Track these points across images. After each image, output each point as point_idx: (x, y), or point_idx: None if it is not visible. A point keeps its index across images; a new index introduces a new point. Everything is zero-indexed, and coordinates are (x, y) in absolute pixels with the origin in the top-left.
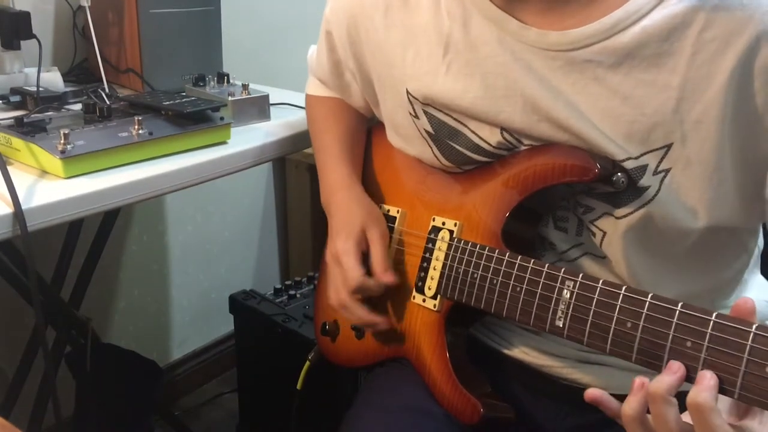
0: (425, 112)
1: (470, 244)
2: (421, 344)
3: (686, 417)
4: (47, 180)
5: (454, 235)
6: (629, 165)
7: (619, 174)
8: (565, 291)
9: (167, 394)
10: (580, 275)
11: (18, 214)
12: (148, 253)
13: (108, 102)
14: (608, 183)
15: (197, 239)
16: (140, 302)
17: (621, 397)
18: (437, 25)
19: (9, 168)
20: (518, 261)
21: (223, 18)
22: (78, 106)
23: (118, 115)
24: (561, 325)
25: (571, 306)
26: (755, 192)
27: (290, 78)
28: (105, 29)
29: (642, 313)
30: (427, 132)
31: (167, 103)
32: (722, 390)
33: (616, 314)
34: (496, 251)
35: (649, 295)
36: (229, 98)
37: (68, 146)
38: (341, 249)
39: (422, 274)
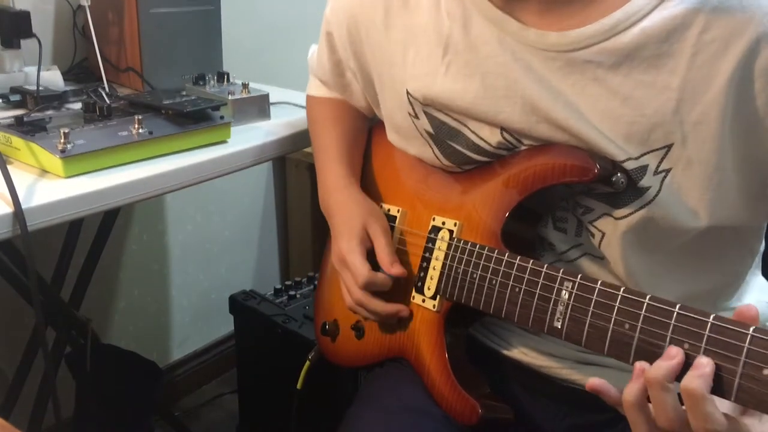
0: (425, 113)
1: (470, 244)
2: (420, 344)
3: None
4: (47, 179)
5: (454, 235)
6: (629, 165)
7: (618, 174)
8: (564, 292)
9: (167, 395)
10: (579, 276)
11: (18, 213)
12: (148, 253)
13: (108, 101)
14: (608, 183)
15: (197, 239)
16: (140, 302)
17: None
18: (437, 26)
19: (9, 167)
20: (517, 261)
21: (223, 18)
22: (78, 105)
23: (118, 115)
24: (559, 326)
25: (570, 307)
26: (759, 191)
27: (290, 77)
28: (105, 28)
29: (640, 314)
30: (427, 132)
31: (167, 102)
32: (719, 392)
33: (614, 315)
34: (496, 251)
35: (647, 297)
36: (229, 97)
37: (68, 145)
38: (345, 249)
39: (422, 274)
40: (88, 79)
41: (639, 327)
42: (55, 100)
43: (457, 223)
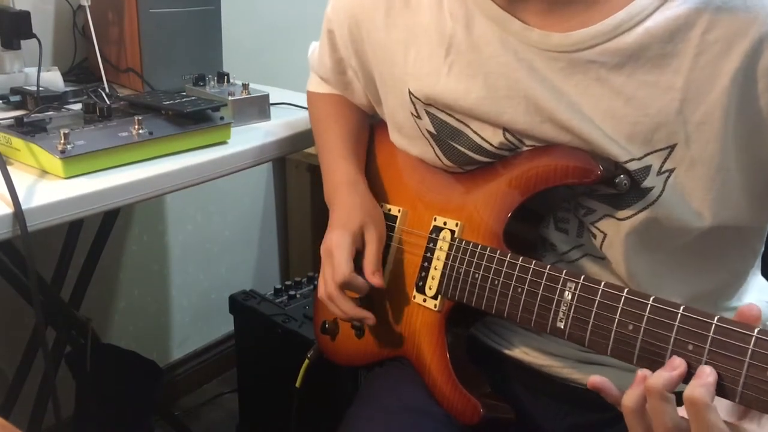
0: (427, 113)
1: (471, 244)
2: (421, 344)
3: (683, 413)
4: (47, 180)
5: (456, 235)
6: (633, 166)
7: (621, 176)
8: (567, 293)
9: (167, 394)
10: (582, 277)
11: (18, 214)
12: (148, 253)
13: (108, 102)
14: (611, 185)
15: (197, 239)
16: (140, 302)
17: None
18: (439, 26)
19: (9, 168)
20: (519, 262)
21: (223, 18)
22: (78, 106)
23: (118, 115)
24: (562, 327)
25: (573, 308)
26: (762, 191)
27: (290, 78)
28: (105, 29)
29: (644, 315)
30: (429, 132)
31: (167, 102)
32: (723, 393)
33: (617, 316)
34: (498, 252)
35: (651, 298)
36: (229, 98)
37: (68, 146)
38: (335, 242)
39: (423, 273)
40: (88, 80)
41: (642, 328)
42: (55, 100)
43: (459, 223)
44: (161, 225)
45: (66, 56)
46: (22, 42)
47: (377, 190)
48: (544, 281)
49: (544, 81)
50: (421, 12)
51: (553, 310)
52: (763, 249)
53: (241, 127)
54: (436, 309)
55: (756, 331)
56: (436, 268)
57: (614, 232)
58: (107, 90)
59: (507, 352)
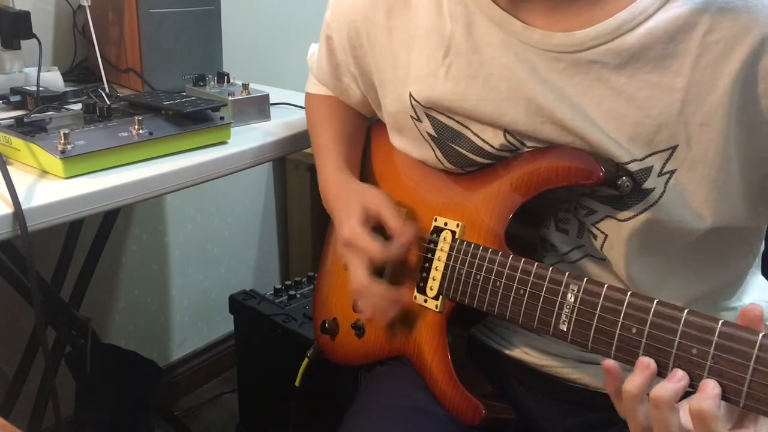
0: (427, 116)
1: (473, 245)
2: (422, 344)
3: (683, 419)
4: (47, 180)
5: (457, 236)
6: (634, 167)
7: (623, 177)
8: (570, 295)
9: (167, 394)
10: (585, 279)
11: (18, 214)
12: (148, 253)
13: (108, 102)
14: (613, 187)
15: (197, 239)
16: (140, 302)
17: None
18: (438, 27)
19: (9, 168)
20: (521, 264)
21: (223, 18)
22: (78, 106)
23: (118, 115)
24: (565, 329)
25: (576, 310)
26: (762, 192)
27: (290, 78)
28: (105, 29)
29: (647, 318)
30: (430, 135)
31: (167, 102)
32: (727, 398)
33: (621, 319)
34: (500, 253)
35: (655, 301)
36: (230, 98)
37: (68, 146)
38: (349, 232)
39: (424, 274)
40: (88, 80)
41: (646, 332)
42: (55, 100)
43: (460, 224)
44: (161, 225)
45: (66, 56)
46: (22, 42)
47: None
48: (546, 283)
49: (546, 82)
50: (420, 13)
51: (555, 312)
52: (763, 248)
53: (241, 127)
54: (437, 310)
55: (761, 335)
56: (437, 269)
57: (615, 233)
58: (107, 90)
59: (507, 352)
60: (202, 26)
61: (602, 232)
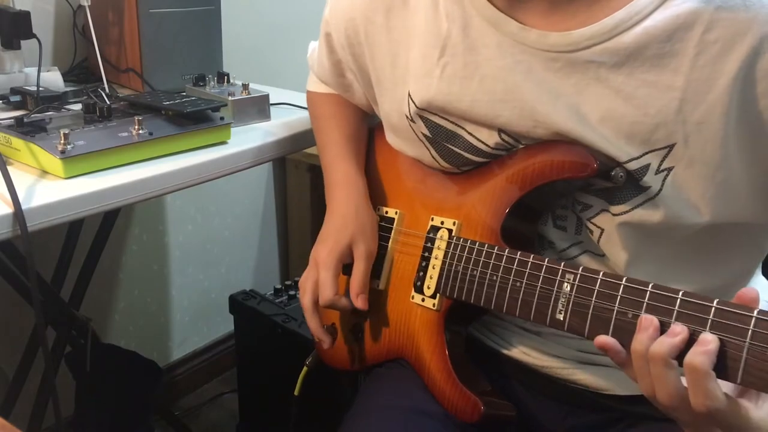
0: (421, 117)
1: (469, 242)
2: (420, 344)
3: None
4: (47, 180)
5: (453, 234)
6: (631, 166)
7: (617, 168)
8: (566, 284)
9: (167, 394)
10: (581, 268)
11: (18, 214)
12: (148, 253)
13: (108, 102)
14: (607, 178)
15: (197, 239)
16: (140, 302)
17: (621, 398)
18: (435, 27)
19: (9, 168)
20: (518, 256)
21: (223, 18)
22: (78, 106)
23: (118, 115)
24: (561, 319)
25: (572, 299)
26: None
27: (290, 78)
28: (105, 29)
29: (643, 302)
30: (424, 135)
31: (167, 103)
32: (725, 375)
33: (617, 305)
34: (496, 248)
35: (650, 285)
36: (230, 98)
37: (68, 146)
38: (322, 261)
39: (421, 273)
40: (88, 80)
41: (642, 315)
42: (55, 100)
43: (456, 222)
44: (161, 225)
45: (66, 56)
46: (22, 42)
47: (374, 192)
48: (542, 274)
49: (542, 83)
50: (418, 13)
51: (552, 302)
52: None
53: (241, 127)
54: (434, 308)
55: (756, 312)
56: (434, 267)
57: (611, 227)
58: (107, 90)
59: (506, 352)
60: (202, 26)
61: (598, 227)
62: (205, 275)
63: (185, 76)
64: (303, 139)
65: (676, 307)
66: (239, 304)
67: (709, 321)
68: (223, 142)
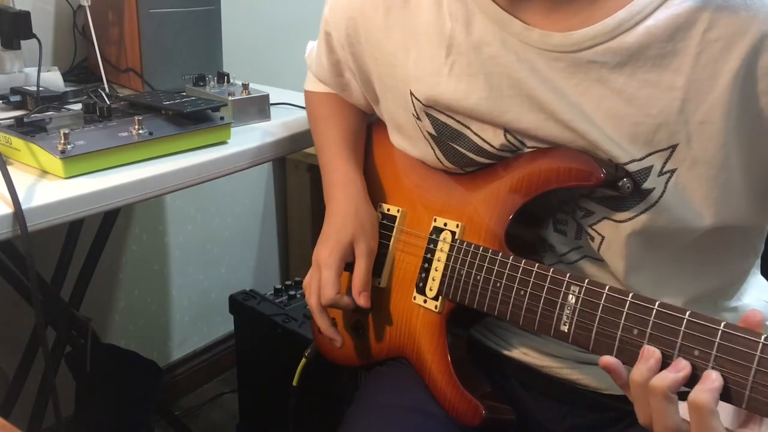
0: (427, 114)
1: (473, 245)
2: (421, 345)
3: (684, 413)
4: (47, 180)
5: (456, 237)
6: (633, 167)
7: (624, 179)
8: (571, 296)
9: (167, 394)
10: (586, 281)
11: (18, 214)
12: (148, 253)
13: (108, 102)
14: (613, 188)
15: (197, 239)
16: (140, 302)
17: (621, 398)
18: (439, 26)
19: (9, 168)
20: (522, 264)
21: (223, 18)
22: (78, 106)
23: (118, 115)
24: (566, 331)
25: (577, 311)
26: (764, 191)
27: (290, 78)
28: (105, 29)
29: (649, 320)
30: (430, 134)
31: (167, 102)
32: (730, 399)
33: (622, 321)
34: (500, 254)
35: (657, 303)
36: (230, 98)
37: (68, 146)
38: (324, 261)
39: (423, 274)
40: (88, 80)
41: (648, 333)
42: (55, 100)
43: (460, 224)
44: (161, 225)
45: (66, 56)
46: (22, 42)
47: (375, 190)
48: (547, 284)
49: (546, 81)
50: (420, 12)
51: (556, 313)
52: (763, 248)
53: (241, 127)
54: (436, 310)
55: (763, 337)
56: (436, 269)
57: (613, 234)
58: (107, 90)
59: (506, 352)
60: (202, 26)
61: (599, 234)
62: (205, 275)
63: (185, 76)
64: (303, 139)
65: (683, 328)
66: (239, 304)
67: (716, 344)
68: (223, 142)
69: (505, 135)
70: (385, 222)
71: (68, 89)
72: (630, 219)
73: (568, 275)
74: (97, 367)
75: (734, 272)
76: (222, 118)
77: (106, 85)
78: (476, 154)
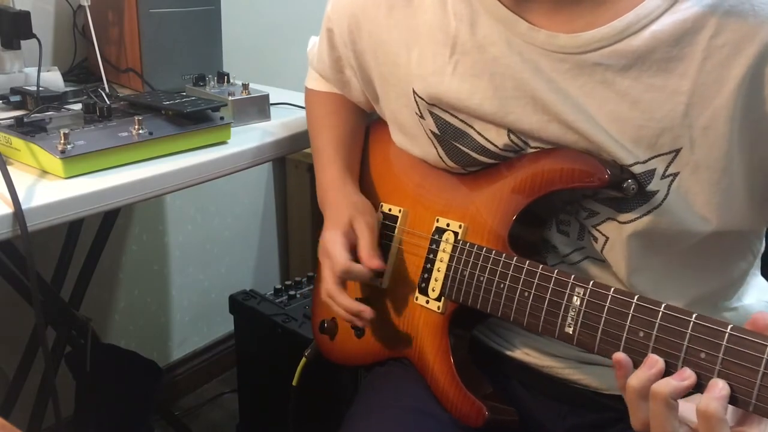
0: (431, 113)
1: (476, 246)
2: (423, 346)
3: (684, 414)
4: (47, 180)
5: (459, 237)
6: (637, 169)
7: (629, 180)
8: (575, 298)
9: (167, 394)
10: (591, 282)
11: (18, 214)
12: (148, 253)
13: (108, 102)
14: (618, 189)
15: (197, 239)
16: (140, 302)
17: (621, 398)
18: (443, 26)
19: (9, 168)
20: (526, 266)
21: (223, 18)
22: (78, 106)
23: (118, 115)
24: (571, 332)
25: (582, 313)
26: (763, 196)
27: (290, 78)
28: (105, 29)
29: (655, 323)
30: (433, 132)
31: (167, 102)
32: (736, 402)
33: (628, 323)
34: (503, 255)
35: (662, 305)
36: (229, 98)
37: (68, 146)
38: (328, 240)
39: (425, 275)
40: (88, 80)
41: (654, 336)
42: (55, 100)
43: (462, 225)
44: (161, 225)
45: (66, 56)
46: (22, 42)
47: (376, 190)
48: (551, 286)
49: (550, 82)
50: (424, 11)
51: (561, 315)
52: (763, 249)
53: (241, 127)
54: (439, 311)
55: None
56: (439, 270)
57: (616, 235)
58: (107, 90)
59: (508, 352)
60: (202, 26)
61: (603, 235)
62: (205, 275)
63: (185, 76)
64: (303, 139)
65: (689, 330)
66: (239, 304)
67: (723, 347)
68: (223, 142)
69: (508, 135)
70: (386, 222)
71: (68, 89)
72: (633, 220)
73: (572, 277)
74: (97, 367)
75: (733, 273)
76: (222, 118)
77: (106, 85)
78: (479, 154)
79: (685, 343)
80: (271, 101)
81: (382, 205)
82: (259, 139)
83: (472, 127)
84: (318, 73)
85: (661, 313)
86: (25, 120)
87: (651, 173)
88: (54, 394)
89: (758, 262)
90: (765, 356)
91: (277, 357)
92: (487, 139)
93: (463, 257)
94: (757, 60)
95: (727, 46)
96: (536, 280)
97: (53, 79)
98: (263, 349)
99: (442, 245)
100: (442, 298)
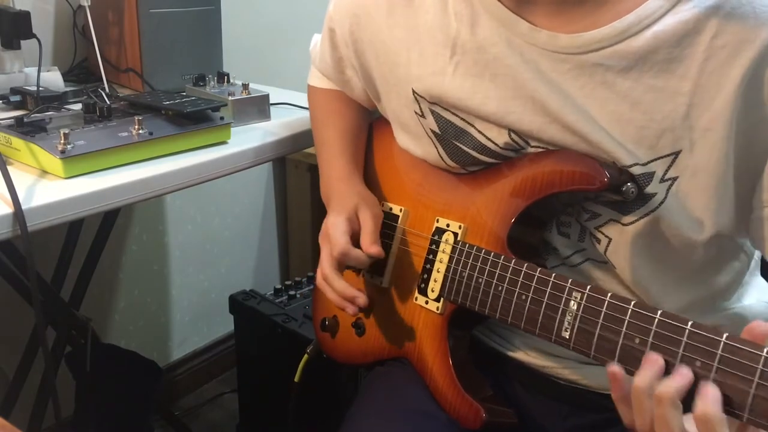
0: (432, 111)
1: (475, 248)
2: (422, 346)
3: (687, 423)
4: (47, 180)
5: (459, 238)
6: (636, 171)
7: (629, 183)
8: (572, 302)
9: (167, 394)
10: (588, 287)
11: (18, 214)
12: (148, 253)
13: (108, 102)
14: (618, 192)
15: (197, 239)
16: (140, 302)
17: None
18: (444, 26)
19: (9, 168)
20: (524, 269)
21: (223, 18)
22: (78, 106)
23: (118, 115)
24: (567, 336)
25: (578, 318)
26: (747, 200)
27: (290, 78)
28: (105, 29)
29: (651, 329)
30: (433, 132)
31: (167, 102)
32: (730, 412)
33: (624, 329)
34: (502, 257)
35: (659, 312)
36: (230, 98)
37: (68, 146)
38: (331, 223)
39: (425, 275)
40: (88, 80)
41: (650, 342)
42: (55, 100)
43: (462, 225)
44: (161, 225)
45: (66, 56)
46: (22, 42)
47: (377, 189)
48: (549, 289)
49: (551, 83)
50: (424, 11)
51: (558, 319)
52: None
53: (241, 127)
54: (438, 312)
55: (765, 350)
56: (438, 271)
57: (619, 236)
58: (107, 90)
59: (508, 353)
60: (202, 26)
61: (606, 236)
62: (205, 275)
63: (185, 76)
64: (303, 139)
65: (685, 338)
66: (239, 304)
67: (718, 355)
68: (223, 142)
69: (509, 134)
70: (387, 221)
71: (68, 89)
72: (632, 222)
73: (570, 281)
74: (97, 367)
75: (733, 275)
76: (222, 118)
77: (106, 85)
78: (480, 153)
79: (681, 350)
80: (271, 101)
81: (383, 204)
82: (259, 139)
83: (473, 126)
84: (320, 72)
85: (657, 320)
86: (25, 120)
87: (650, 176)
88: (54, 394)
89: (757, 263)
90: (759, 366)
91: (277, 357)
92: (488, 138)
93: (462, 258)
94: (757, 62)
95: (727, 48)
96: (534, 283)
97: (53, 79)
98: (263, 349)
99: (442, 246)
100: (441, 298)
